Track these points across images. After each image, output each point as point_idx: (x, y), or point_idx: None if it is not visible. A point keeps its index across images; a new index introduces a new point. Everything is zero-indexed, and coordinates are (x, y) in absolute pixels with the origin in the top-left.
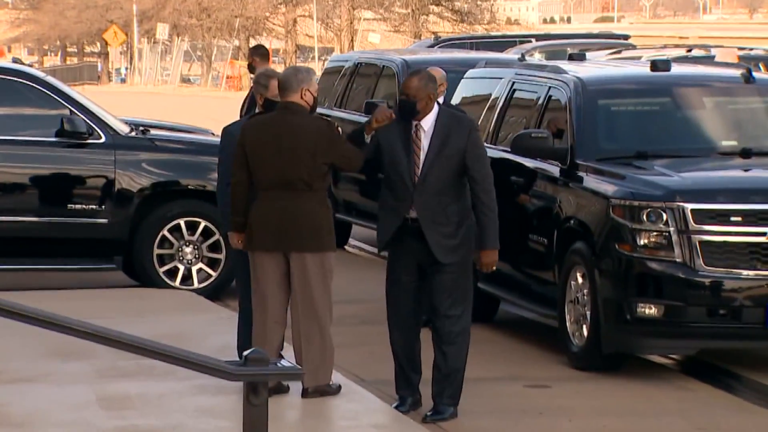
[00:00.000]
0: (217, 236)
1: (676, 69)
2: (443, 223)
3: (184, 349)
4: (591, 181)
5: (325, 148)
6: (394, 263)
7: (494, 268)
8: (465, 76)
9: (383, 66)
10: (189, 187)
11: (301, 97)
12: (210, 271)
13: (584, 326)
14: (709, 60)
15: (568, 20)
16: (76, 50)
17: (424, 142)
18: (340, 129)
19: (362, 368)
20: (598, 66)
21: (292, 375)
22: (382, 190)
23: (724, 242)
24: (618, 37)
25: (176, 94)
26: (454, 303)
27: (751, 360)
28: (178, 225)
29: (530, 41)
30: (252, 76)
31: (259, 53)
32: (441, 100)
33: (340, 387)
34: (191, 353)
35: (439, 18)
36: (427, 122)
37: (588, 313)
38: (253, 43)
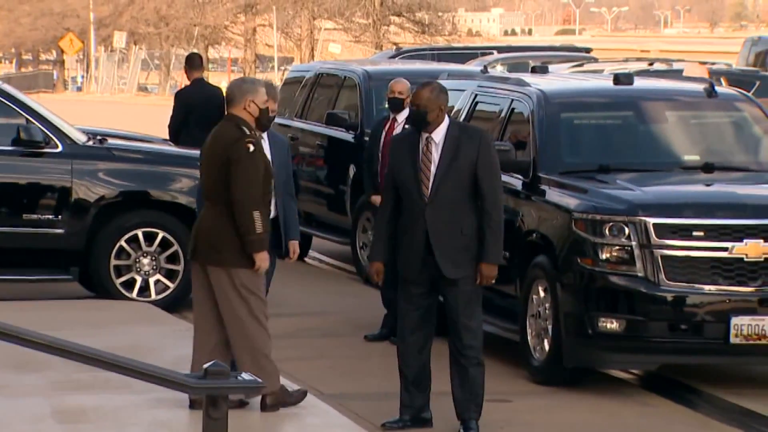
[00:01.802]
0: (175, 247)
1: (639, 83)
2: (456, 236)
3: (141, 361)
4: (553, 195)
5: (226, 163)
6: (405, 277)
7: (493, 281)
8: None
9: (345, 77)
10: (147, 197)
11: (245, 109)
12: (168, 283)
13: (546, 340)
14: (672, 74)
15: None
16: (31, 58)
17: (435, 155)
18: (251, 148)
19: (322, 382)
20: (561, 79)
21: (251, 388)
22: (398, 212)
23: (687, 257)
24: (580, 50)
25: (133, 102)
26: (472, 315)
27: (713, 375)
28: (136, 235)
29: (492, 53)
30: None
31: (189, 63)
32: (406, 111)
33: (305, 392)
34: (150, 366)
35: (401, 29)
36: (438, 134)
37: (549, 327)
38: (212, 52)
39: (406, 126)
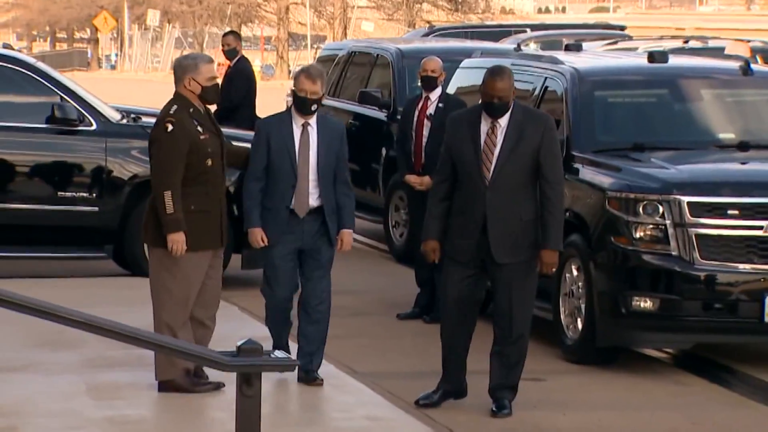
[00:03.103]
0: None
1: (674, 61)
2: (513, 222)
3: (175, 338)
4: (587, 173)
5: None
6: (454, 258)
7: (554, 270)
8: (461, 65)
9: (377, 55)
10: None
11: (185, 87)
12: None
13: (579, 319)
14: (711, 51)
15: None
16: (65, 36)
17: (499, 138)
18: (169, 128)
19: (356, 360)
20: (594, 57)
21: (285, 366)
22: (454, 194)
23: (721, 236)
24: (614, 27)
25: (167, 81)
26: (523, 303)
27: (747, 354)
28: None
29: (525, 31)
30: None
31: (238, 38)
32: (439, 89)
33: (217, 385)
34: (183, 343)
35: (434, 7)
36: (504, 118)
37: (583, 306)
38: (245, 30)
39: (440, 104)
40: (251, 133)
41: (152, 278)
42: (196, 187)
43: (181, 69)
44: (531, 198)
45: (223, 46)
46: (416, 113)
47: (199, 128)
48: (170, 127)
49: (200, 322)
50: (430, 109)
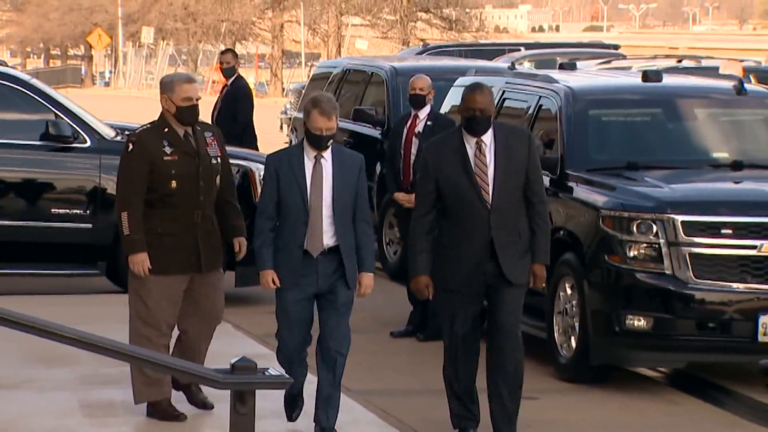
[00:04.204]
0: None
1: (668, 80)
2: (515, 241)
3: (169, 356)
4: (581, 192)
5: None
6: (461, 291)
7: (544, 284)
8: (455, 84)
9: (372, 73)
10: None
11: (163, 106)
12: None
13: (573, 338)
14: (704, 71)
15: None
16: (59, 53)
17: (489, 158)
18: (129, 147)
19: (349, 378)
20: (589, 76)
21: (279, 384)
22: (441, 222)
23: (715, 255)
24: (608, 46)
25: None
26: (517, 321)
27: (741, 374)
28: None
29: (519, 50)
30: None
31: (236, 58)
32: (428, 107)
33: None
34: (177, 360)
35: (428, 25)
36: (487, 136)
37: (576, 324)
38: (239, 48)
39: (428, 123)
40: (249, 151)
41: (129, 299)
42: (162, 210)
43: (161, 87)
44: (524, 215)
45: (221, 63)
46: (405, 131)
47: (166, 149)
48: (130, 147)
49: (196, 336)
50: (419, 127)
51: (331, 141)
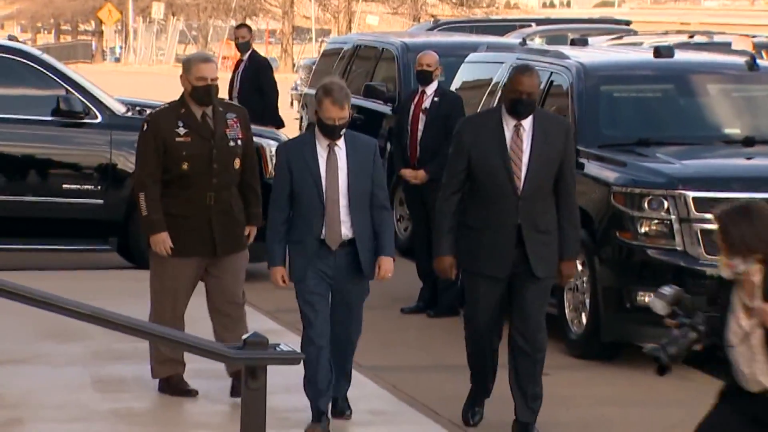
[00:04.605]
0: None
1: (680, 56)
2: (543, 231)
3: (180, 331)
4: (592, 168)
5: None
6: (488, 275)
7: (571, 280)
8: (466, 60)
9: (383, 49)
10: None
11: (183, 85)
12: None
13: (583, 314)
14: (716, 46)
15: (568, 5)
16: (69, 28)
17: (526, 144)
18: (144, 126)
19: (359, 354)
20: (600, 52)
21: (291, 359)
22: (468, 202)
23: None
24: (619, 22)
25: (171, 74)
26: (543, 315)
27: None
28: None
29: (530, 26)
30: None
31: (247, 29)
32: (435, 83)
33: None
34: (189, 336)
35: (439, 1)
36: (527, 121)
37: (587, 300)
38: (250, 23)
39: (435, 99)
40: (260, 128)
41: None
42: (176, 191)
43: (182, 66)
44: (553, 207)
45: (236, 38)
46: (412, 107)
47: (180, 130)
48: (145, 127)
49: (220, 312)
50: (426, 103)
51: (344, 130)
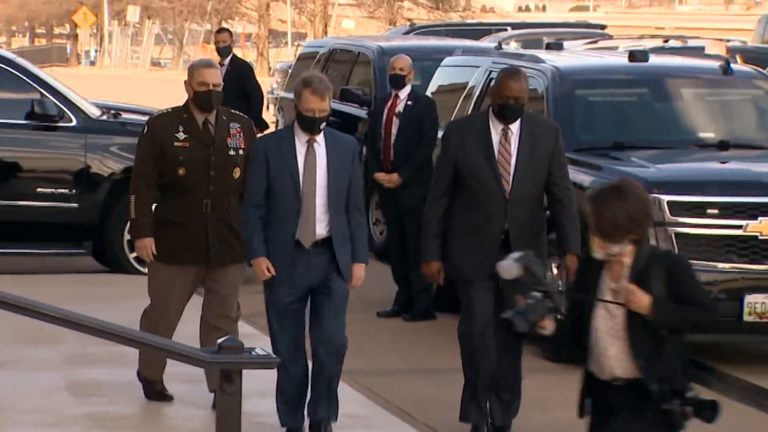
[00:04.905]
0: None
1: (654, 60)
2: (531, 235)
3: (155, 335)
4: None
5: None
6: (470, 278)
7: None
8: (442, 64)
9: (359, 52)
10: None
11: (186, 92)
12: None
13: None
14: (690, 51)
15: (543, 9)
16: (44, 32)
17: (513, 147)
18: (144, 132)
19: None
20: (575, 56)
21: (266, 363)
22: (454, 206)
23: (701, 235)
24: (594, 26)
25: (146, 77)
26: None
27: (726, 353)
28: None
29: (506, 29)
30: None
31: (229, 33)
32: (408, 87)
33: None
34: (164, 340)
35: (414, 4)
36: (515, 124)
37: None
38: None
39: (409, 102)
40: None
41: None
42: (171, 196)
43: (187, 72)
44: (541, 211)
45: (217, 42)
46: (385, 111)
47: (179, 135)
48: (145, 130)
49: (209, 324)
50: (399, 107)
51: (324, 124)
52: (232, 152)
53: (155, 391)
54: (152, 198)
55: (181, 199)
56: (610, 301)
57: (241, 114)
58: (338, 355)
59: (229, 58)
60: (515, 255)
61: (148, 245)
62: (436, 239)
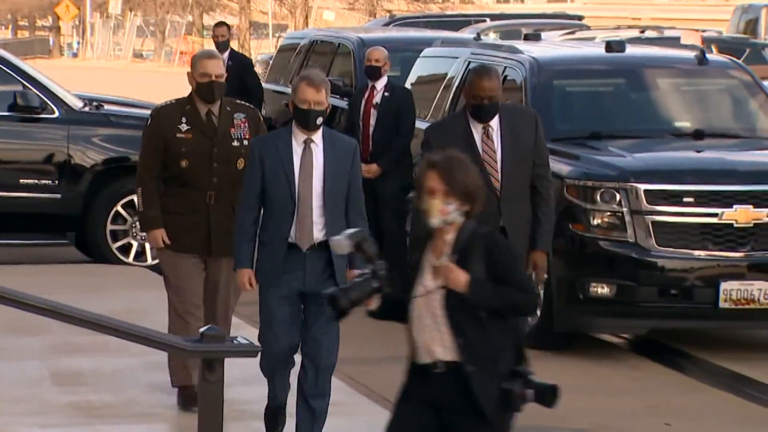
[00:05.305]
0: None
1: (631, 50)
2: (524, 229)
3: (138, 325)
4: None
5: None
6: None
7: (546, 276)
8: (421, 54)
9: (339, 44)
10: None
11: (189, 83)
12: None
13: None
14: (666, 41)
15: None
16: (27, 24)
17: (496, 143)
18: (148, 124)
19: None
20: (553, 46)
21: (248, 352)
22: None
23: (677, 223)
24: (572, 17)
25: (129, 69)
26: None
27: (702, 339)
28: (132, 201)
29: (485, 21)
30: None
31: (227, 27)
32: (385, 78)
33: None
34: (147, 329)
35: None
36: (494, 120)
37: (541, 292)
38: (207, 19)
39: (386, 93)
40: None
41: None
42: (175, 188)
43: (189, 63)
44: (528, 200)
45: (216, 37)
46: (363, 103)
47: (182, 126)
48: (149, 122)
49: (208, 314)
50: (377, 98)
51: (321, 119)
52: (236, 143)
53: (192, 398)
54: (157, 190)
55: (184, 190)
56: (428, 289)
57: (248, 104)
58: (331, 368)
59: (227, 52)
60: (348, 231)
61: (159, 236)
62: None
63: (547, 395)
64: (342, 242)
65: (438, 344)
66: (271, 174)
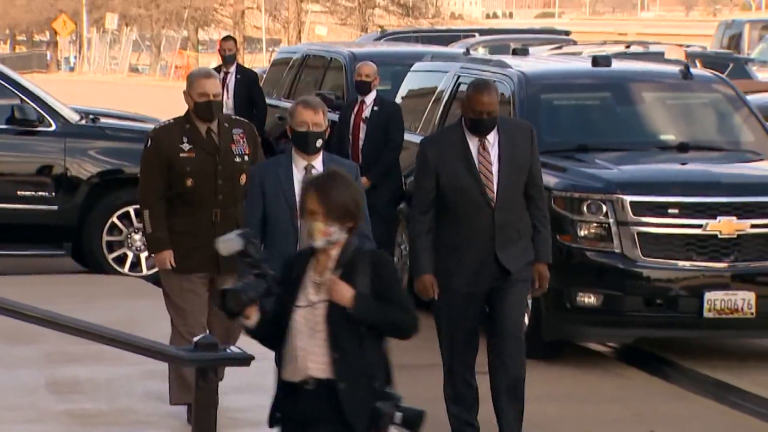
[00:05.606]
0: None
1: (617, 65)
2: (517, 240)
3: (134, 334)
4: None
5: None
6: (462, 290)
7: (547, 286)
8: (411, 69)
9: (331, 58)
10: (138, 175)
11: (186, 102)
12: None
13: (525, 314)
14: (651, 56)
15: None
16: (25, 39)
17: (492, 155)
18: (148, 145)
19: None
20: (541, 61)
21: (241, 361)
22: (440, 221)
23: (662, 234)
24: (559, 32)
25: (125, 83)
26: (520, 324)
27: (687, 349)
28: (127, 212)
29: (474, 36)
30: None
31: (234, 41)
32: (374, 93)
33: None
34: (142, 339)
35: (385, 12)
36: (491, 133)
37: (529, 301)
38: (201, 34)
39: (375, 108)
40: None
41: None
42: (181, 208)
43: (186, 82)
44: (526, 212)
45: (223, 51)
46: (352, 117)
47: (184, 145)
48: (148, 143)
49: (217, 328)
50: (366, 113)
51: (321, 142)
52: (237, 159)
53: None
54: (163, 210)
55: (190, 209)
56: (311, 303)
57: (242, 119)
58: None
59: (234, 66)
60: (237, 231)
61: (167, 258)
62: (425, 253)
63: (416, 420)
64: (230, 243)
65: (312, 360)
66: (273, 202)
